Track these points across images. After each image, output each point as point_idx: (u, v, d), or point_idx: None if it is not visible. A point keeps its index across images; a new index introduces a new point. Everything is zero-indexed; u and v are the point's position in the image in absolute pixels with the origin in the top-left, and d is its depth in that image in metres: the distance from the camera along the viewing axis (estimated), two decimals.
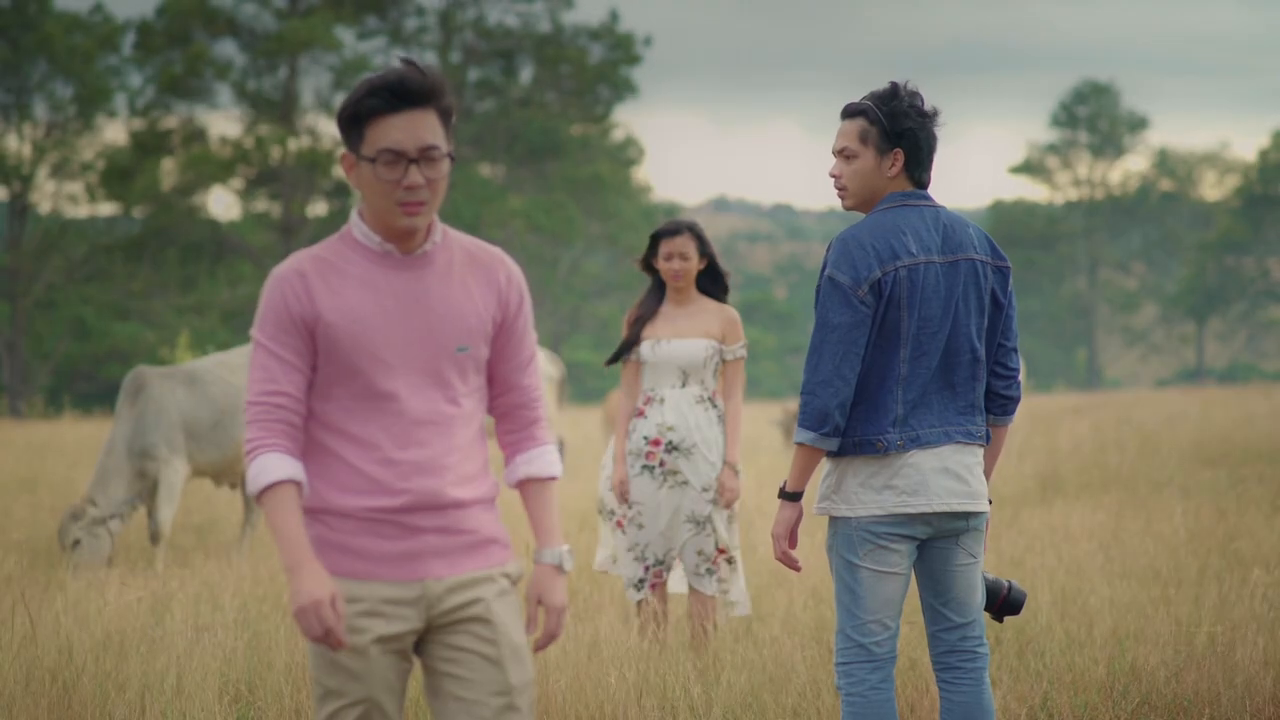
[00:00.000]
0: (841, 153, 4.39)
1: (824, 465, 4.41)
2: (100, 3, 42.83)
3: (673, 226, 6.58)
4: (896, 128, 4.35)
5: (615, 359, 6.67)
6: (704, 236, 6.61)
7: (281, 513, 3.22)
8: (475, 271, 3.39)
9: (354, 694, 3.29)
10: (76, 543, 9.36)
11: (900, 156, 4.36)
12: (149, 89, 42.31)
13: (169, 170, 42.30)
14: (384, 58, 45.97)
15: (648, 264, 6.64)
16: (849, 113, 4.40)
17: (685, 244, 6.55)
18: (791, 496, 4.35)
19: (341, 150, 3.33)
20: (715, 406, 6.60)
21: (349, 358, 3.28)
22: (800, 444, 4.29)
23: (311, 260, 3.32)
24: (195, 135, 42.59)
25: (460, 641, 3.33)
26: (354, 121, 3.28)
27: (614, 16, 47.88)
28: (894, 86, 4.38)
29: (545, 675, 5.63)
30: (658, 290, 6.67)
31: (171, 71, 41.55)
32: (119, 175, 41.36)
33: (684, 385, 6.57)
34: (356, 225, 3.35)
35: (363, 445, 3.29)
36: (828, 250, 4.35)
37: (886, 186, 4.38)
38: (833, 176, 4.43)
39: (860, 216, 4.45)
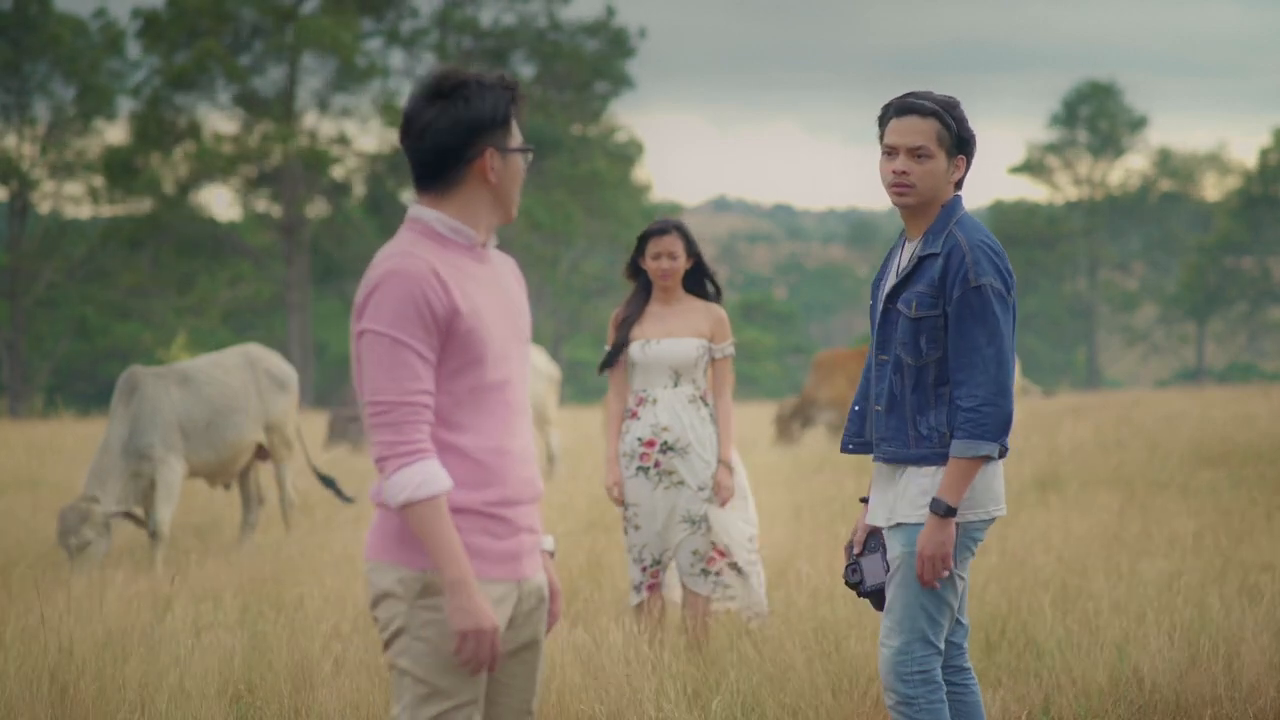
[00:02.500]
0: (916, 151, 4.30)
1: (916, 471, 4.32)
2: (103, 6, 42.85)
3: (660, 226, 6.61)
4: (965, 134, 4.34)
5: (608, 363, 6.66)
6: (691, 236, 6.64)
7: (446, 524, 3.23)
8: (511, 269, 3.51)
9: (466, 694, 3.31)
10: (87, 544, 9.31)
11: (963, 163, 4.35)
12: (154, 80, 42.29)
13: (171, 165, 42.29)
14: (382, 58, 46.00)
15: (635, 265, 6.65)
16: (922, 111, 4.31)
17: (673, 243, 6.57)
18: (954, 512, 4.24)
19: (485, 146, 3.33)
20: (707, 405, 6.61)
21: (478, 350, 3.31)
22: (978, 456, 4.20)
23: (432, 257, 3.31)
24: (195, 131, 42.59)
25: (506, 648, 3.41)
26: (505, 118, 3.35)
27: (609, 11, 47.94)
28: (951, 97, 4.35)
29: (548, 677, 5.63)
30: (644, 291, 6.68)
31: (178, 66, 41.51)
32: (121, 167, 41.37)
33: (676, 385, 6.58)
34: (440, 221, 3.36)
35: (477, 434, 3.31)
36: (955, 257, 4.26)
37: (946, 191, 4.35)
38: (897, 173, 4.32)
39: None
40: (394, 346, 3.24)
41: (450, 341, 3.28)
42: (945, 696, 4.33)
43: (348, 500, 11.41)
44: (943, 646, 4.34)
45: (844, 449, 4.58)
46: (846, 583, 4.51)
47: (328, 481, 11.20)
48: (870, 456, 4.51)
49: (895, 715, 4.34)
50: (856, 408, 4.55)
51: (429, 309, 3.26)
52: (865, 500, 4.54)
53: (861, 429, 4.54)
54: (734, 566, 6.57)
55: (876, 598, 4.47)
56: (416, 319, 3.25)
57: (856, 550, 4.51)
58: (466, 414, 3.31)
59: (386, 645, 3.33)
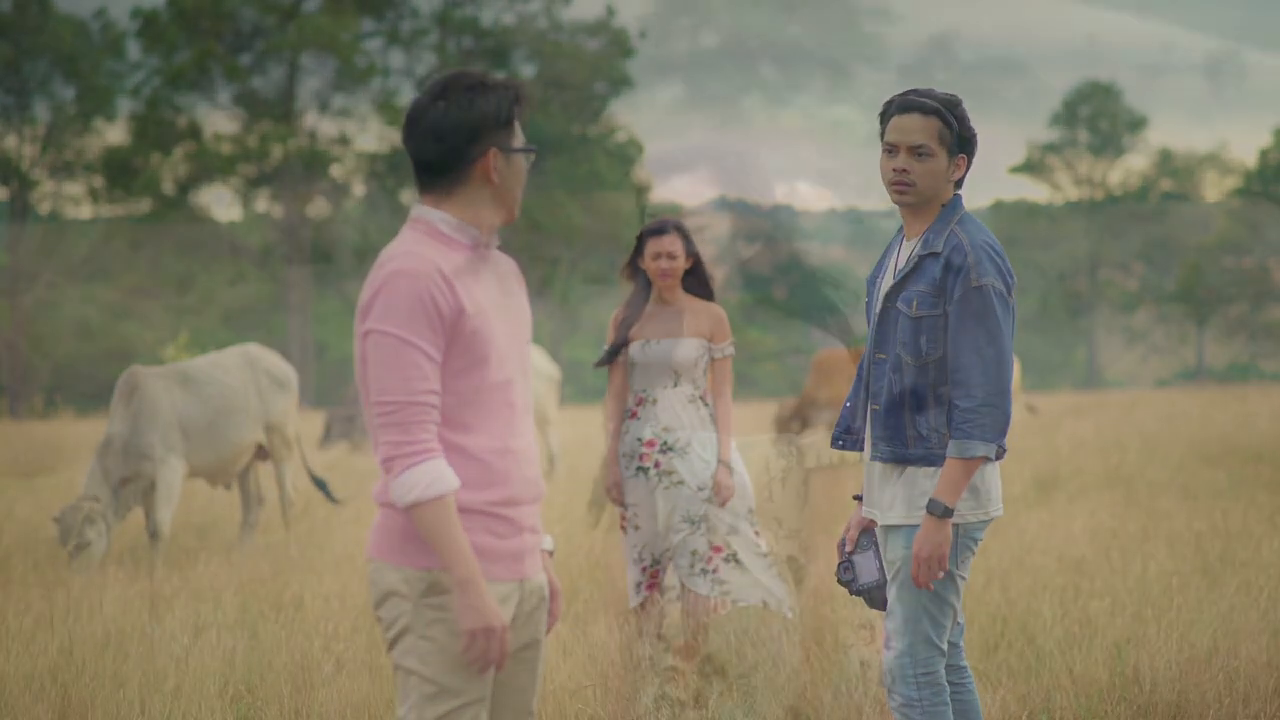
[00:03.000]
0: (917, 149, 4.27)
1: (916, 472, 4.30)
2: (103, 6, 42.84)
3: (659, 225, 6.59)
4: (966, 133, 4.32)
5: (606, 360, 6.66)
6: (690, 235, 6.62)
7: (454, 523, 3.24)
8: (512, 270, 3.51)
9: (473, 693, 3.32)
10: (87, 544, 9.29)
11: (964, 163, 4.33)
12: (154, 80, 42.29)
13: (171, 165, 42.29)
14: (382, 58, 45.97)
15: (633, 265, 6.64)
16: (923, 109, 4.28)
17: (673, 243, 6.56)
18: (951, 513, 4.22)
19: (488, 146, 3.34)
20: (706, 405, 6.61)
21: (483, 350, 3.31)
22: (977, 457, 4.19)
23: (437, 256, 3.32)
24: (195, 132, 42.59)
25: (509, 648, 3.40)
26: (509, 119, 3.35)
27: (609, 11, 47.95)
28: (953, 95, 4.32)
29: (547, 677, 5.63)
30: (644, 291, 6.67)
31: (178, 66, 41.50)
32: (121, 167, 41.37)
33: (676, 385, 6.57)
34: (444, 221, 3.36)
35: (482, 434, 3.32)
36: (957, 257, 4.23)
37: (947, 191, 4.33)
38: (898, 171, 4.29)
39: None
40: (401, 346, 3.25)
41: (456, 341, 3.29)
42: (949, 699, 4.33)
43: (336, 502, 11.46)
44: (945, 647, 4.34)
45: (833, 444, 4.58)
46: (839, 580, 4.49)
47: (319, 483, 11.24)
48: (860, 454, 4.50)
49: (899, 717, 4.32)
50: (848, 404, 4.53)
51: (435, 309, 3.26)
52: (858, 498, 4.54)
53: (851, 425, 4.52)
54: (730, 559, 6.56)
55: (869, 596, 4.46)
56: (423, 319, 3.25)
57: (849, 548, 4.50)
58: (471, 414, 3.31)
59: (391, 645, 3.33)
